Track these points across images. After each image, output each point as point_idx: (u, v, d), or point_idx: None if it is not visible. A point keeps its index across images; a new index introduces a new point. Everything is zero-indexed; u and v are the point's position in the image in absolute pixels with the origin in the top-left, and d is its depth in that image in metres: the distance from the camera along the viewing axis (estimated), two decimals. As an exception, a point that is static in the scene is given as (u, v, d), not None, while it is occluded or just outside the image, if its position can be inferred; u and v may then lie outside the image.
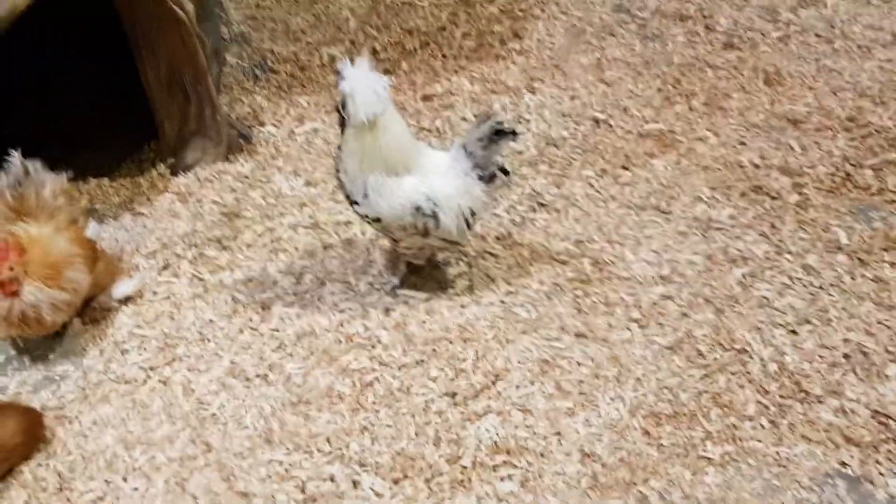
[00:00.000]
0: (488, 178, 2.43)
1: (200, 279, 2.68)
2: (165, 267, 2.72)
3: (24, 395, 2.32)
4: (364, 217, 2.39)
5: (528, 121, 3.39)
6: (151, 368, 2.37)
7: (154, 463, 2.12)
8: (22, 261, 2.16)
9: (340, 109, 2.27)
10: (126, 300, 2.58)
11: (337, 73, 2.28)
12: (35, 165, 2.39)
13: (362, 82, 2.23)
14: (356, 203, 2.37)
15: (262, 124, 3.39)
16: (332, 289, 2.64)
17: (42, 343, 2.48)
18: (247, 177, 3.11)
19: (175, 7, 2.63)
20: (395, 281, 2.63)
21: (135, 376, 2.35)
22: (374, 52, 3.91)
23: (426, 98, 3.59)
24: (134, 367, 2.38)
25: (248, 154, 3.22)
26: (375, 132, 2.26)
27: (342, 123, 2.31)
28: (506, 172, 2.46)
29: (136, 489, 2.06)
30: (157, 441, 2.17)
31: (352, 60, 2.26)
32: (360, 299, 2.60)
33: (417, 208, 2.34)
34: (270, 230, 2.86)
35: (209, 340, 2.47)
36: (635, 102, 3.52)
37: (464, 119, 3.44)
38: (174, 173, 3.07)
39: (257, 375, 2.35)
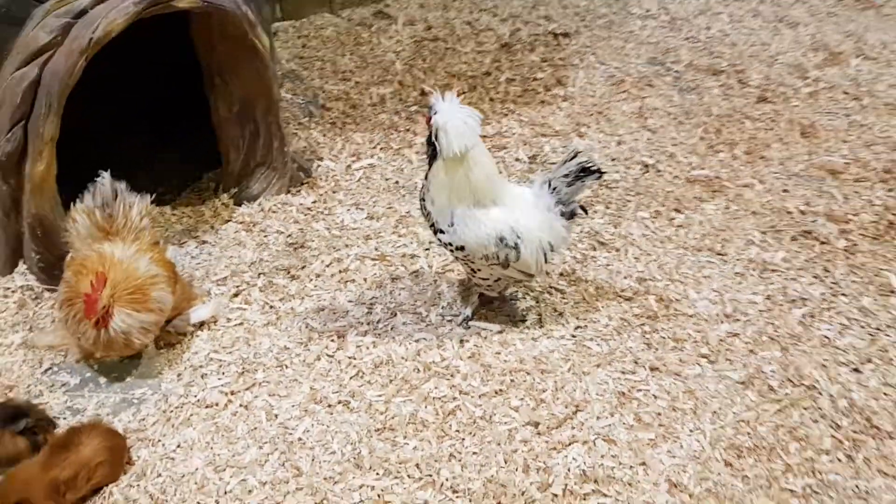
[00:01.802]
0: (570, 215, 2.50)
1: (272, 307, 2.70)
2: (236, 294, 2.74)
3: (104, 417, 2.31)
4: (448, 245, 2.44)
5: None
6: (232, 393, 2.38)
7: (245, 486, 2.11)
8: (110, 289, 2.17)
9: (432, 141, 2.34)
10: (200, 325, 2.59)
11: (429, 107, 2.34)
12: (121, 187, 2.43)
13: (455, 116, 2.30)
14: (441, 231, 2.42)
15: (320, 159, 3.45)
16: (403, 319, 2.67)
17: (118, 365, 2.48)
18: (309, 209, 3.16)
19: (256, 41, 2.70)
20: (468, 313, 2.66)
21: (216, 400, 2.35)
22: (424, 93, 4.00)
23: (477, 139, 3.66)
24: (214, 392, 2.38)
25: (308, 187, 3.27)
26: (466, 165, 2.32)
27: (432, 155, 2.37)
28: (585, 210, 2.53)
29: (229, 511, 2.06)
30: (246, 464, 2.17)
31: (443, 95, 2.33)
32: (433, 330, 2.63)
33: (501, 239, 2.40)
34: (338, 261, 2.90)
35: (287, 366, 2.48)
36: (680, 149, 3.62)
37: (517, 160, 3.52)
38: (238, 203, 3.10)
39: (339, 402, 2.36)
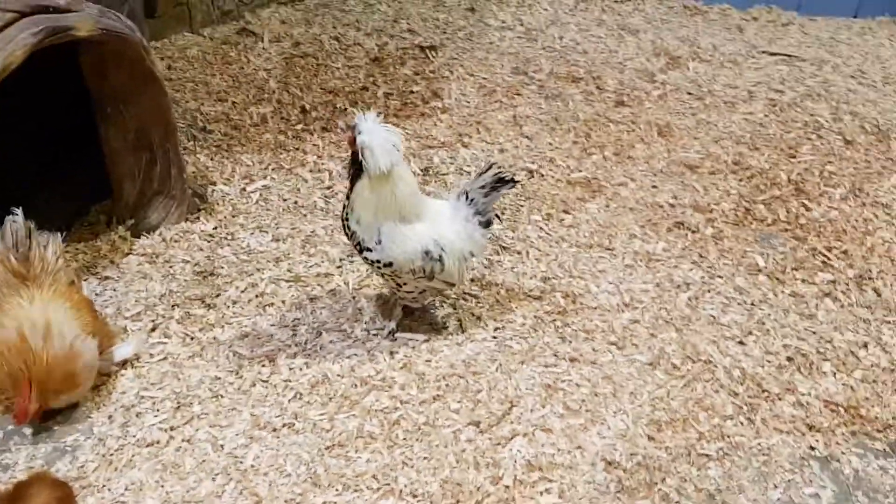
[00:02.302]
0: (486, 224, 2.66)
1: (193, 338, 2.68)
2: (154, 328, 2.70)
3: (38, 468, 2.22)
4: (374, 263, 2.53)
5: (468, 172, 3.65)
6: (172, 428, 2.35)
7: (207, 519, 2.12)
8: (38, 393, 2.11)
9: (357, 161, 2.41)
10: (123, 363, 2.53)
11: (351, 127, 2.42)
12: (32, 226, 2.33)
13: (380, 134, 2.39)
14: (368, 250, 2.50)
15: (213, 183, 3.42)
16: (330, 338, 2.74)
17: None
18: (212, 235, 3.14)
19: (152, 66, 2.66)
20: (393, 325, 2.76)
21: (156, 438, 2.32)
22: (304, 110, 4.05)
23: (367, 154, 3.76)
24: (153, 429, 2.34)
25: (206, 213, 3.24)
26: (391, 182, 2.42)
27: (354, 175, 2.45)
28: (499, 218, 2.70)
29: (194, 546, 2.05)
30: (203, 498, 2.17)
31: (364, 114, 2.42)
32: (361, 345, 2.71)
33: (427, 252, 2.52)
34: (252, 286, 2.91)
35: (222, 396, 2.48)
36: (557, 154, 3.89)
37: (414, 173, 3.65)
38: (136, 235, 3.03)
39: (284, 425, 2.39)
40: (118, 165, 2.86)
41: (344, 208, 2.53)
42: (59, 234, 2.38)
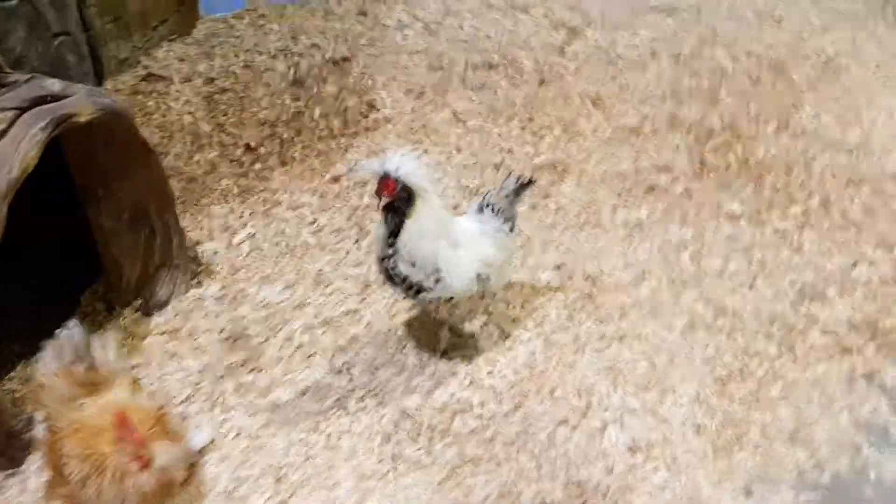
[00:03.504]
0: (512, 227, 2.72)
1: (255, 406, 2.60)
2: (212, 407, 2.58)
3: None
4: (433, 301, 2.51)
5: (441, 178, 3.68)
6: (283, 503, 2.29)
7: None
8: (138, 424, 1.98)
9: (396, 203, 2.37)
10: (200, 451, 2.42)
11: (382, 175, 2.36)
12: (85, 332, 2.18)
13: (408, 158, 2.39)
14: (424, 290, 2.47)
15: (198, 243, 3.27)
16: (388, 372, 2.72)
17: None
18: (223, 297, 3.02)
19: (143, 138, 2.52)
20: (443, 347, 2.78)
21: (272, 515, 2.25)
22: (251, 148, 3.92)
23: (335, 180, 3.71)
24: (264, 508, 2.27)
25: (205, 276, 3.10)
26: (433, 202, 2.42)
27: (399, 221, 2.40)
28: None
29: None
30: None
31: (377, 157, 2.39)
32: (420, 372, 2.72)
33: (479, 275, 2.55)
34: (288, 339, 2.83)
35: (314, 457, 2.43)
36: (513, 143, 3.98)
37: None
38: (147, 314, 2.86)
39: (388, 471, 2.38)
40: (113, 246, 2.69)
41: (387, 259, 2.47)
42: (112, 335, 2.23)
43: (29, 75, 2.20)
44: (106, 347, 2.16)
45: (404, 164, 2.36)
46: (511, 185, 2.65)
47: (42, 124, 2.10)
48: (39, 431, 2.20)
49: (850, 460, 2.42)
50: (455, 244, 2.51)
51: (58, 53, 2.43)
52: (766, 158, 3.77)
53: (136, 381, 2.27)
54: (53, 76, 2.26)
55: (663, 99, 4.32)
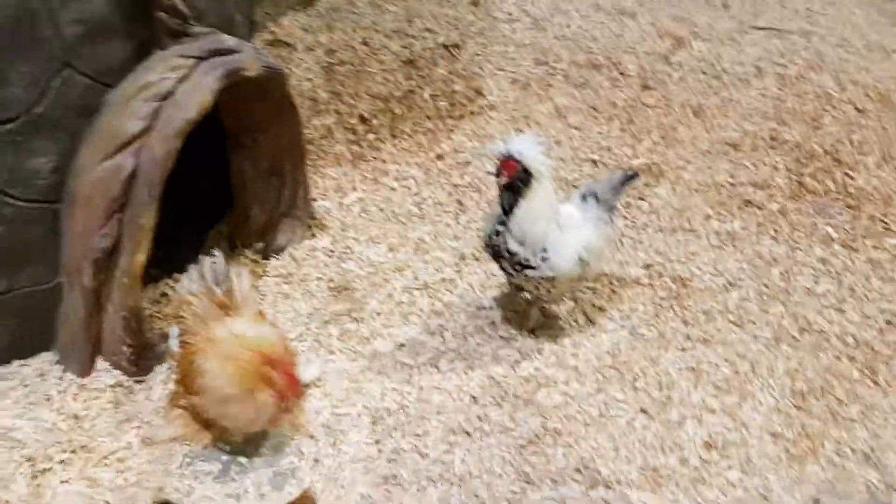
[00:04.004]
0: (611, 218, 2.84)
1: (356, 352, 2.77)
2: (318, 348, 2.77)
3: (268, 494, 2.30)
4: (535, 279, 2.64)
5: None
6: (377, 442, 2.46)
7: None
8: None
9: (515, 184, 2.52)
10: (308, 384, 2.61)
11: (504, 155, 2.51)
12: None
13: (530, 142, 2.53)
14: (530, 268, 2.61)
15: (313, 199, 3.47)
16: (477, 340, 2.87)
17: (243, 443, 2.44)
18: (332, 251, 3.20)
19: (291, 96, 2.71)
20: (531, 325, 2.92)
21: (368, 453, 2.42)
22: (364, 119, 4.10)
23: (439, 157, 3.88)
24: (361, 445, 2.44)
25: (318, 229, 3.30)
26: (548, 185, 2.56)
27: (513, 199, 2.55)
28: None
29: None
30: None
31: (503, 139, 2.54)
32: (508, 345, 2.85)
33: (580, 259, 2.68)
34: (389, 297, 3.00)
35: (408, 406, 2.59)
36: (612, 143, 4.08)
37: (488, 173, 3.78)
38: (266, 257, 3.07)
39: (475, 429, 2.53)
40: (248, 192, 2.90)
41: (497, 235, 2.61)
42: (246, 269, 2.43)
43: (209, 30, 2.41)
44: (241, 277, 2.35)
45: (528, 147, 2.50)
46: (617, 177, 2.77)
47: (217, 74, 2.30)
48: (169, 346, 2.40)
49: (921, 487, 2.48)
50: (561, 228, 2.64)
51: (229, 13, 2.64)
52: (866, 188, 3.79)
53: (261, 312, 2.46)
54: (226, 33, 2.46)
55: (765, 117, 4.36)
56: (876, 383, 2.78)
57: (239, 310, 2.30)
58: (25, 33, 2.16)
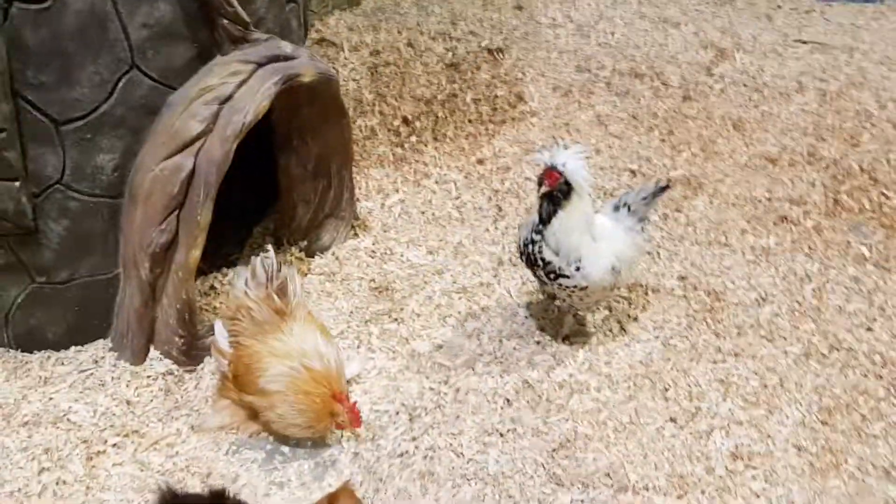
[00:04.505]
0: (642, 229, 2.89)
1: (395, 352, 2.86)
2: (358, 346, 2.87)
3: (309, 483, 2.40)
4: (570, 288, 2.71)
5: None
6: (414, 439, 2.54)
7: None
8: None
9: (555, 194, 2.58)
10: (349, 380, 2.70)
11: (548, 166, 2.58)
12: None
13: (576, 157, 2.59)
14: (564, 276, 2.68)
15: (356, 200, 3.56)
16: (513, 344, 2.94)
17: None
18: (374, 251, 3.29)
19: (342, 100, 2.80)
20: (566, 331, 2.99)
21: (405, 449, 2.50)
22: (407, 121, 4.19)
23: (480, 162, 3.95)
24: (399, 441, 2.53)
25: (360, 229, 3.39)
26: (587, 199, 2.63)
27: (552, 209, 2.61)
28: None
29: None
30: (469, 502, 2.38)
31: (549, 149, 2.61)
32: (543, 350, 2.92)
33: (613, 268, 2.74)
34: (428, 299, 3.09)
35: (444, 405, 2.67)
36: (651, 153, 4.12)
37: (528, 179, 3.85)
38: (310, 255, 3.17)
39: (507, 430, 2.60)
40: (294, 191, 2.99)
41: (533, 244, 2.67)
42: (294, 269, 2.52)
43: (267, 36, 2.51)
44: (292, 278, 2.44)
45: (571, 161, 2.57)
46: (650, 188, 2.83)
47: (275, 80, 2.41)
48: (215, 340, 2.50)
49: (944, 506, 2.51)
50: (594, 238, 2.70)
51: (286, 18, 2.74)
52: (902, 208, 3.79)
53: (310, 313, 2.56)
54: (282, 38, 2.56)
55: (803, 133, 4.37)
56: (902, 403, 2.80)
57: (293, 314, 2.38)
58: (95, 36, 2.27)
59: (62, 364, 2.65)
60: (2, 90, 2.13)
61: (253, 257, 2.43)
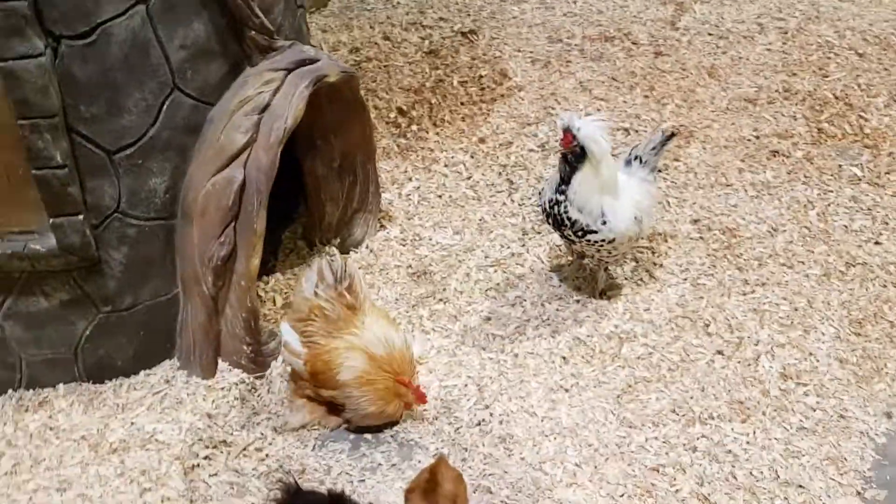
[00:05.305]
0: (654, 178, 2.98)
1: (448, 330, 2.93)
2: (412, 330, 2.93)
3: (398, 464, 2.46)
4: (598, 242, 2.80)
5: (577, 141, 3.94)
6: (487, 407, 2.62)
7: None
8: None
9: (573, 155, 2.67)
10: (412, 363, 2.76)
11: (565, 129, 2.67)
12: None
13: (593, 123, 2.68)
14: (592, 232, 2.76)
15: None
16: (556, 306, 3.03)
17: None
18: (404, 239, 3.35)
19: (362, 98, 2.84)
20: (602, 286, 3.08)
21: (482, 417, 2.58)
22: (403, 111, 4.23)
23: (482, 141, 4.01)
24: (475, 411, 2.60)
25: (386, 220, 3.44)
26: (607, 161, 2.71)
27: (571, 170, 2.70)
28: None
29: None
30: (553, 456, 2.46)
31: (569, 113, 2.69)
32: (584, 307, 3.02)
33: (635, 217, 2.83)
34: (466, 276, 3.16)
35: (507, 372, 2.75)
36: (639, 110, 4.22)
37: (531, 151, 3.92)
38: (345, 251, 3.21)
39: (571, 385, 2.70)
40: (322, 191, 3.03)
41: (558, 205, 2.75)
42: (356, 265, 2.56)
43: (290, 42, 2.53)
44: (355, 274, 2.48)
45: (585, 126, 2.65)
46: (657, 138, 2.93)
47: (306, 83, 2.44)
48: (286, 342, 2.53)
49: (979, 391, 2.66)
50: (618, 191, 2.79)
51: (299, 24, 2.77)
52: (881, 128, 3.95)
53: (373, 304, 2.61)
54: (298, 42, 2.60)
55: (775, 71, 4.51)
56: (921, 308, 2.95)
57: (363, 308, 2.43)
58: (139, 63, 2.28)
59: (135, 389, 2.67)
60: (60, 128, 2.13)
61: (317, 260, 2.49)
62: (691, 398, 2.63)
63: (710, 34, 4.96)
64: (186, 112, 2.45)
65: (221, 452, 2.47)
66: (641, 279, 3.14)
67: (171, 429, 2.51)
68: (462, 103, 4.31)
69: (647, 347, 2.82)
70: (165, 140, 2.42)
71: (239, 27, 2.44)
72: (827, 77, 4.41)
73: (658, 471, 2.40)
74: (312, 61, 2.52)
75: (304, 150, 2.94)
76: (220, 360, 2.66)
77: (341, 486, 2.24)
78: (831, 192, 3.56)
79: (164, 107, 2.38)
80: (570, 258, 3.21)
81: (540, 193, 2.92)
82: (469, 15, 5.32)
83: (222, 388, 2.64)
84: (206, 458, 2.44)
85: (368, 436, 2.56)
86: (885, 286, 3.05)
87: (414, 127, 4.08)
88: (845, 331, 2.87)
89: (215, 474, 2.40)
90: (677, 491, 2.35)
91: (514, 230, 3.39)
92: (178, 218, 2.51)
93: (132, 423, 2.54)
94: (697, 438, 2.49)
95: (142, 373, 2.71)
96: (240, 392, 2.66)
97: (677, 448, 2.47)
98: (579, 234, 2.78)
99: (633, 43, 4.89)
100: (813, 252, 3.22)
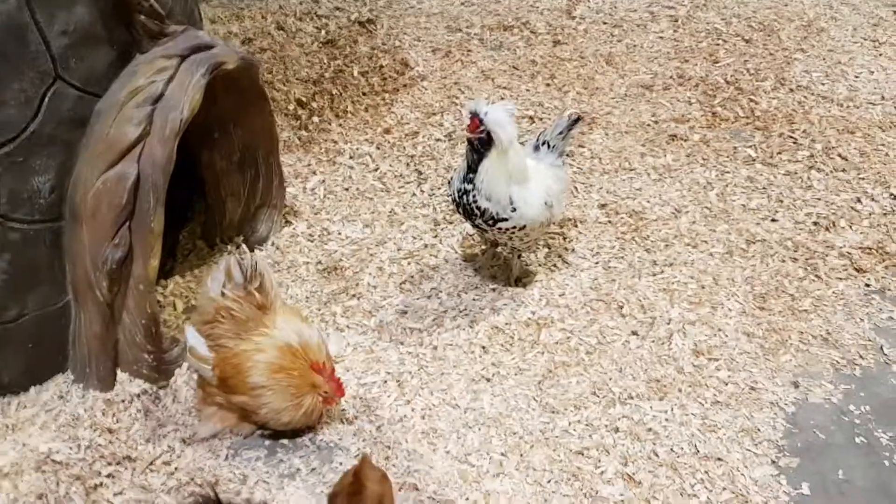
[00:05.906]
0: (563, 162, 2.97)
1: (363, 325, 2.83)
2: (326, 328, 2.80)
3: (318, 468, 2.34)
4: (509, 230, 2.76)
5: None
6: (408, 402, 2.54)
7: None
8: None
9: (480, 142, 2.61)
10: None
11: (473, 113, 2.61)
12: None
13: (502, 111, 2.63)
14: (503, 220, 2.72)
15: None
16: (472, 295, 2.98)
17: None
18: (311, 235, 3.22)
19: (262, 86, 2.70)
20: (516, 274, 3.05)
21: (404, 413, 2.49)
22: (302, 103, 4.09)
23: (387, 131, 3.92)
24: (397, 407, 2.52)
25: (291, 215, 3.30)
26: (514, 149, 2.67)
27: (478, 157, 2.64)
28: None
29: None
30: (479, 447, 2.40)
31: (478, 99, 2.63)
32: (500, 296, 2.98)
33: (545, 203, 2.81)
34: (379, 270, 3.07)
35: (426, 365, 2.68)
36: (541, 98, 4.23)
37: (438, 140, 3.86)
38: (249, 249, 3.04)
39: (492, 375, 2.65)
40: (222, 186, 2.87)
41: (466, 194, 2.70)
42: (266, 261, 2.42)
43: (183, 27, 2.36)
44: (266, 272, 2.34)
45: (493, 112, 2.59)
46: (564, 123, 2.91)
47: (202, 71, 2.28)
48: (192, 347, 2.37)
49: (876, 357, 2.77)
50: (527, 178, 2.75)
51: (191, 8, 2.59)
52: (770, 110, 4.10)
53: (284, 302, 2.47)
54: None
55: (669, 58, 4.61)
56: (818, 277, 3.06)
57: (274, 307, 2.30)
58: (16, 50, 2.07)
59: (25, 407, 2.44)
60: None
61: (225, 258, 2.32)
62: (610, 379, 2.63)
63: (604, 23, 5.03)
64: (71, 104, 2.25)
65: (126, 469, 2.29)
66: (555, 265, 3.13)
67: (68, 447, 2.31)
68: (364, 94, 4.21)
69: (564, 332, 2.80)
70: (49, 135, 2.21)
71: (126, 10, 2.25)
72: (717, 63, 4.54)
73: (583, 454, 2.38)
74: (208, 47, 2.37)
75: (201, 142, 2.77)
76: (118, 371, 2.46)
77: (260, 496, 2.11)
78: (728, 172, 3.65)
79: (46, 98, 2.17)
80: (483, 247, 3.16)
81: (449, 183, 2.86)
82: (366, 4, 5.21)
83: (123, 401, 2.45)
84: (109, 475, 2.26)
85: (285, 441, 2.43)
86: (783, 261, 3.14)
87: (315, 119, 3.94)
88: (750, 305, 2.93)
89: (120, 493, 2.22)
90: (602, 472, 2.34)
91: (426, 221, 3.32)
92: (65, 220, 2.31)
93: (24, 445, 2.32)
94: (619, 419, 2.49)
95: (32, 389, 2.48)
96: (142, 404, 2.47)
97: (600, 430, 2.46)
98: (490, 222, 2.73)
99: (532, 32, 4.90)
100: (715, 231, 3.29)
